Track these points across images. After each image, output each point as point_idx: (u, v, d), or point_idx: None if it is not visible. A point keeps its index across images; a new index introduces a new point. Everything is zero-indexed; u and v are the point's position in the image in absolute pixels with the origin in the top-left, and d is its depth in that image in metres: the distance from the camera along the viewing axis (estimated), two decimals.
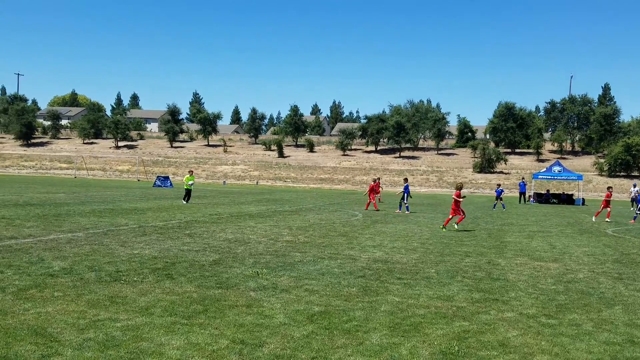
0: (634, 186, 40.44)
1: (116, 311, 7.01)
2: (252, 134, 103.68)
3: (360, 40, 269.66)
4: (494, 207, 32.48)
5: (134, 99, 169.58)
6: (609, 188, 27.40)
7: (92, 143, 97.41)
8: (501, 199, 32.82)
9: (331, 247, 13.54)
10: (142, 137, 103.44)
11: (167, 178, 53.42)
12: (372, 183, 29.27)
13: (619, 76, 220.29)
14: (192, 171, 29.76)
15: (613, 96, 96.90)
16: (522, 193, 43.17)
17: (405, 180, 28.35)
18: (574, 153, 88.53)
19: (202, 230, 16.10)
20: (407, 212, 26.49)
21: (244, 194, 40.63)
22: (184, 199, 27.74)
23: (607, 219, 25.47)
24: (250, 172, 76.55)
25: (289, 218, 21.58)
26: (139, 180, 67.73)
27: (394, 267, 10.99)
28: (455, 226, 19.13)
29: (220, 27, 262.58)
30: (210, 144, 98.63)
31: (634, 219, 25.71)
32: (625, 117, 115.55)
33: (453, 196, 19.51)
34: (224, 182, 67.86)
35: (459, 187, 19.66)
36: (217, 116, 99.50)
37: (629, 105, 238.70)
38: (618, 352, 6.10)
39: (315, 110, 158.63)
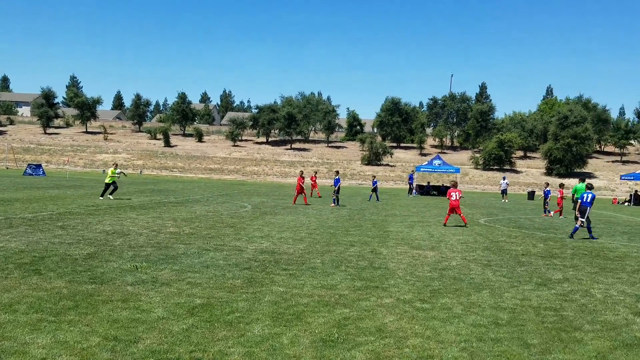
0: (504, 179, 43.72)
1: None
2: (135, 121, 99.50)
3: (251, 30, 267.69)
4: (369, 199, 33.32)
5: (4, 80, 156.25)
6: (561, 185, 28.18)
7: None
8: (375, 191, 33.88)
9: (217, 239, 13.30)
10: (12, 122, 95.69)
11: (39, 166, 49.88)
12: (301, 177, 27.97)
13: (494, 75, 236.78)
14: (116, 164, 27.02)
15: (489, 94, 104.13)
16: (410, 184, 45.36)
17: (337, 173, 28.67)
18: (453, 148, 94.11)
19: (76, 222, 15.16)
20: (335, 204, 26.74)
21: (125, 183, 38.80)
22: (109, 194, 24.62)
23: (554, 214, 26.71)
24: (134, 161, 73.37)
25: (173, 209, 20.93)
26: (7, 168, 62.55)
27: (280, 258, 11.00)
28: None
29: (102, 7, 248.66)
30: (89, 130, 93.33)
31: (545, 213, 27.08)
32: (499, 114, 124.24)
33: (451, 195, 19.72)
34: (141, 171, 64.52)
35: (454, 185, 19.99)
36: (97, 101, 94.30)
37: (502, 103, 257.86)
38: (484, 334, 6.52)
39: (205, 99, 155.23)
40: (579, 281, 9.95)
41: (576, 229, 17.22)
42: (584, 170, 73.63)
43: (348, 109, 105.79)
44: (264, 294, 7.93)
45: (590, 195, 17.06)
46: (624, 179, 47.88)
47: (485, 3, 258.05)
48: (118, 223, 15.51)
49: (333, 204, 26.88)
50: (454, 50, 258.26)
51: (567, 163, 72.81)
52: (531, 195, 46.67)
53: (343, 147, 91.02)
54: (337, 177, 27.66)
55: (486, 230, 18.42)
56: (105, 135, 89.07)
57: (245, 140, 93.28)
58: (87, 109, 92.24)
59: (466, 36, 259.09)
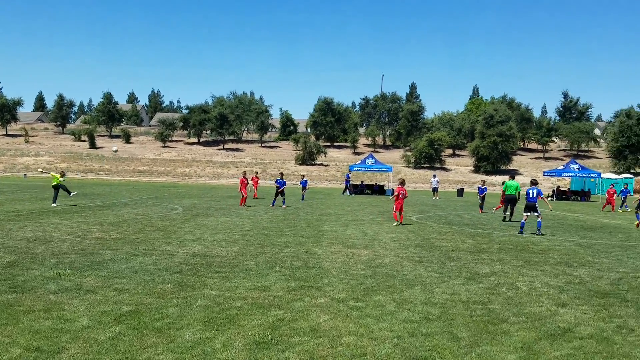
0: (434, 177, 44.92)
1: None
2: (58, 123, 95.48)
3: (179, 28, 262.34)
4: (302, 199, 33.40)
5: None
6: (504, 183, 28.99)
7: None
8: (305, 189, 34.10)
9: (146, 243, 12.88)
10: None
11: None
12: (243, 177, 27.64)
13: (423, 76, 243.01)
14: (63, 172, 25.57)
15: (419, 94, 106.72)
16: (347, 184, 45.91)
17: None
18: (386, 147, 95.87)
19: None
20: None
21: (48, 188, 37.04)
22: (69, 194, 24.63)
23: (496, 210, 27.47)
24: (57, 164, 70.18)
25: (100, 213, 20.15)
26: None
27: (212, 261, 10.78)
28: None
29: (21, 5, 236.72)
30: (9, 133, 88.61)
31: (481, 209, 27.90)
32: (429, 114, 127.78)
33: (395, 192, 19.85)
34: (63, 173, 61.30)
35: (402, 183, 20.11)
36: (17, 103, 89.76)
37: (432, 103, 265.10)
38: (415, 329, 6.63)
39: (132, 99, 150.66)
40: (506, 274, 10.31)
41: (523, 224, 17.98)
42: (510, 167, 76.82)
43: (281, 109, 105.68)
44: (196, 298, 7.73)
45: (535, 191, 17.83)
46: (547, 175, 50.20)
47: (413, 3, 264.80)
48: (40, 229, 14.75)
49: (283, 205, 26.83)
50: (385, 51, 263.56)
51: (493, 160, 75.71)
52: (460, 192, 48.18)
53: (277, 147, 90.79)
54: (280, 179, 27.57)
55: (418, 227, 18.82)
56: (27, 137, 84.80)
57: (176, 140, 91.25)
58: (7, 111, 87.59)
59: (396, 36, 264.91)
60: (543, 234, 17.42)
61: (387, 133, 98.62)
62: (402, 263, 11.31)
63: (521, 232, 17.51)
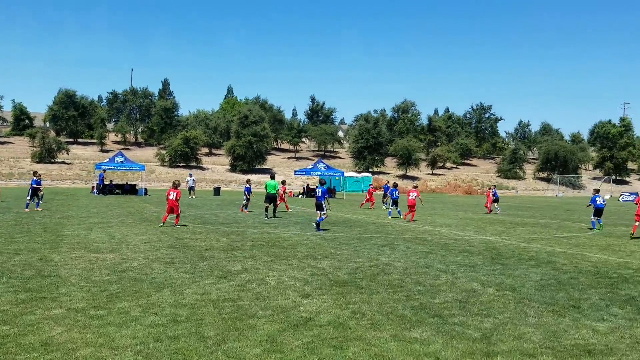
0: (190, 176, 44.53)
1: None
2: None
3: None
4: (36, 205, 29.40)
5: None
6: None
7: None
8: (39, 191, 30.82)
9: None
10: None
11: None
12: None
13: (177, 73, 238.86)
14: None
15: (172, 91, 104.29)
16: (100, 184, 42.41)
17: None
18: (138, 144, 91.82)
19: None
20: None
21: None
22: None
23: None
24: None
25: None
26: None
27: None
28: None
29: None
30: None
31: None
32: (183, 112, 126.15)
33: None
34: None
35: (176, 185, 19.51)
36: None
37: (186, 101, 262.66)
38: (161, 333, 6.35)
39: None
40: (256, 270, 10.58)
41: (321, 221, 18.80)
42: (265, 167, 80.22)
43: (14, 100, 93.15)
44: None
45: (321, 190, 18.87)
46: (298, 174, 53.44)
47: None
48: None
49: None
50: (134, 45, 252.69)
51: (249, 159, 78.17)
52: (217, 191, 48.57)
53: (9, 142, 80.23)
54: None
55: (172, 227, 18.34)
56: None
57: None
58: None
59: (147, 31, 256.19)
60: (327, 230, 18.71)
61: (139, 130, 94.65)
62: (151, 265, 10.82)
63: (317, 229, 18.53)
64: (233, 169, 78.73)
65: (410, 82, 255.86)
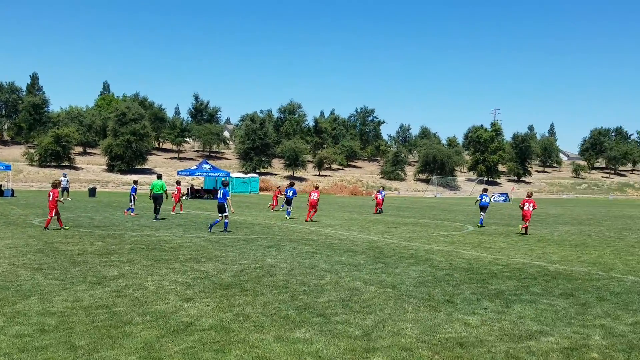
0: (64, 176, 41.72)
1: None
2: None
3: None
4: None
5: None
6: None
7: None
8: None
9: None
10: None
11: None
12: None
13: (47, 67, 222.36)
14: None
15: (42, 86, 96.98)
16: None
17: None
18: (4, 142, 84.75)
19: None
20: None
21: None
22: None
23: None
24: None
25: None
26: None
27: None
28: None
29: None
30: None
31: (130, 211, 25.81)
32: (55, 108, 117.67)
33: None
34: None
35: (55, 185, 18.65)
36: None
37: (58, 97, 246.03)
38: (27, 343, 5.87)
39: None
40: (134, 275, 10.09)
41: (217, 222, 18.51)
42: (145, 167, 77.07)
43: None
44: None
45: (222, 192, 18.42)
46: (181, 175, 51.91)
47: None
48: None
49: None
50: None
51: (128, 159, 74.57)
52: (92, 192, 45.95)
53: None
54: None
55: (40, 231, 17.05)
56: None
57: None
58: None
59: (7, 22, 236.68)
60: (231, 231, 18.41)
61: (6, 127, 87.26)
62: (17, 272, 9.97)
63: (210, 229, 18.35)
64: (110, 169, 74.80)
65: (295, 84, 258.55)
